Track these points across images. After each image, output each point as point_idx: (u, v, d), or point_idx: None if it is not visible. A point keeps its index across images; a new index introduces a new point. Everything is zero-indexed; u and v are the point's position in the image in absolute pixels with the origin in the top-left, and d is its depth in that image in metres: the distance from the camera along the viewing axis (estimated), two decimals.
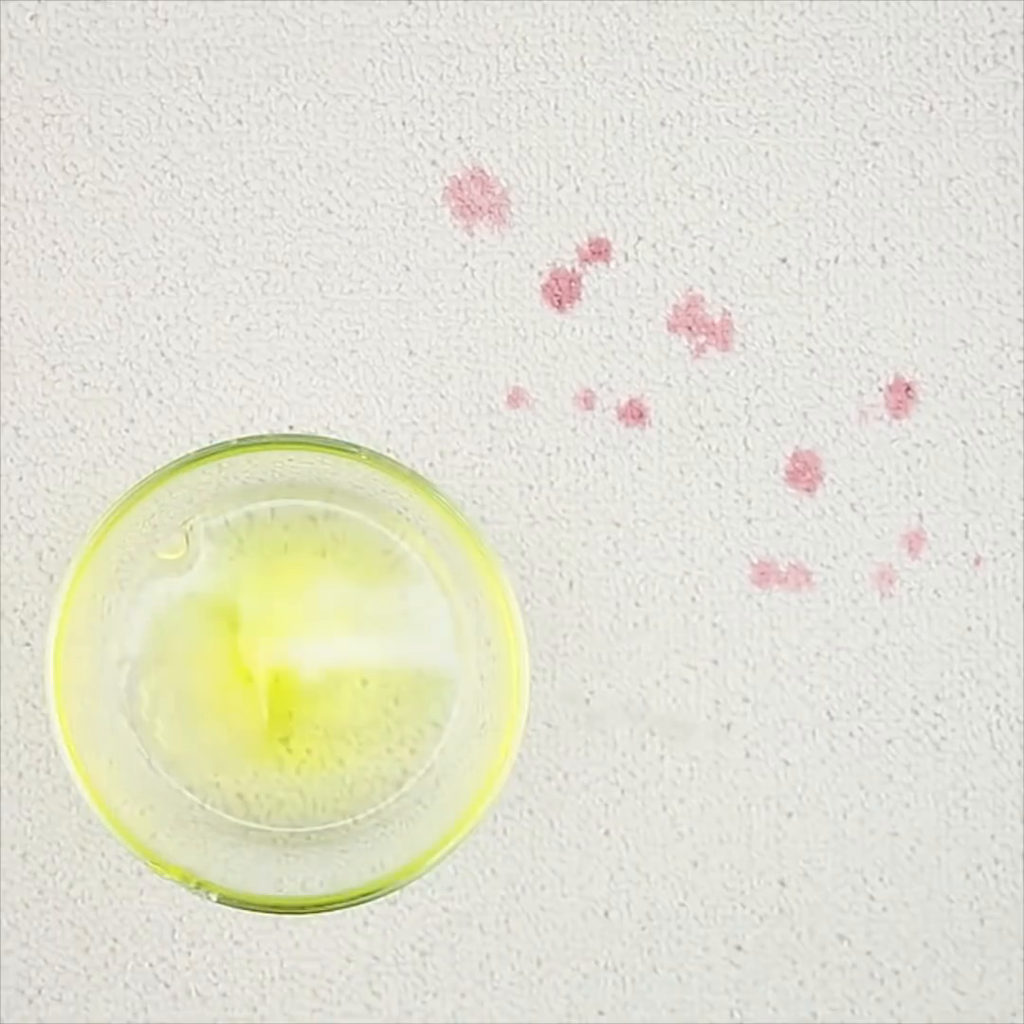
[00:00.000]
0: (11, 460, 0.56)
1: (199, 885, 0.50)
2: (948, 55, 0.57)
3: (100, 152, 0.56)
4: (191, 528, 0.53)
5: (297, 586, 0.53)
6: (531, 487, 0.57)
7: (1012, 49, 0.57)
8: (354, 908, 0.52)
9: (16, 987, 0.56)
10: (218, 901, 0.50)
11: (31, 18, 0.56)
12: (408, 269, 0.57)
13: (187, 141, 0.57)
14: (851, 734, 0.57)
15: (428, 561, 0.53)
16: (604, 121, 0.57)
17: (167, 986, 0.56)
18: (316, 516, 0.52)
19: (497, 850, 0.56)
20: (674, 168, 0.57)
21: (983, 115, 0.57)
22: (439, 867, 0.55)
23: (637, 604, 0.56)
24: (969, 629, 0.57)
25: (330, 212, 0.57)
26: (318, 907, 0.50)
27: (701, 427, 0.57)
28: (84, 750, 0.51)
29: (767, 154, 0.57)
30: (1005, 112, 0.57)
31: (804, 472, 0.57)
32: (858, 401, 0.57)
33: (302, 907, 0.50)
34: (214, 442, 0.56)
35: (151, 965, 0.56)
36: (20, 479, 0.56)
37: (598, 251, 0.57)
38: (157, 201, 0.57)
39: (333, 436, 0.56)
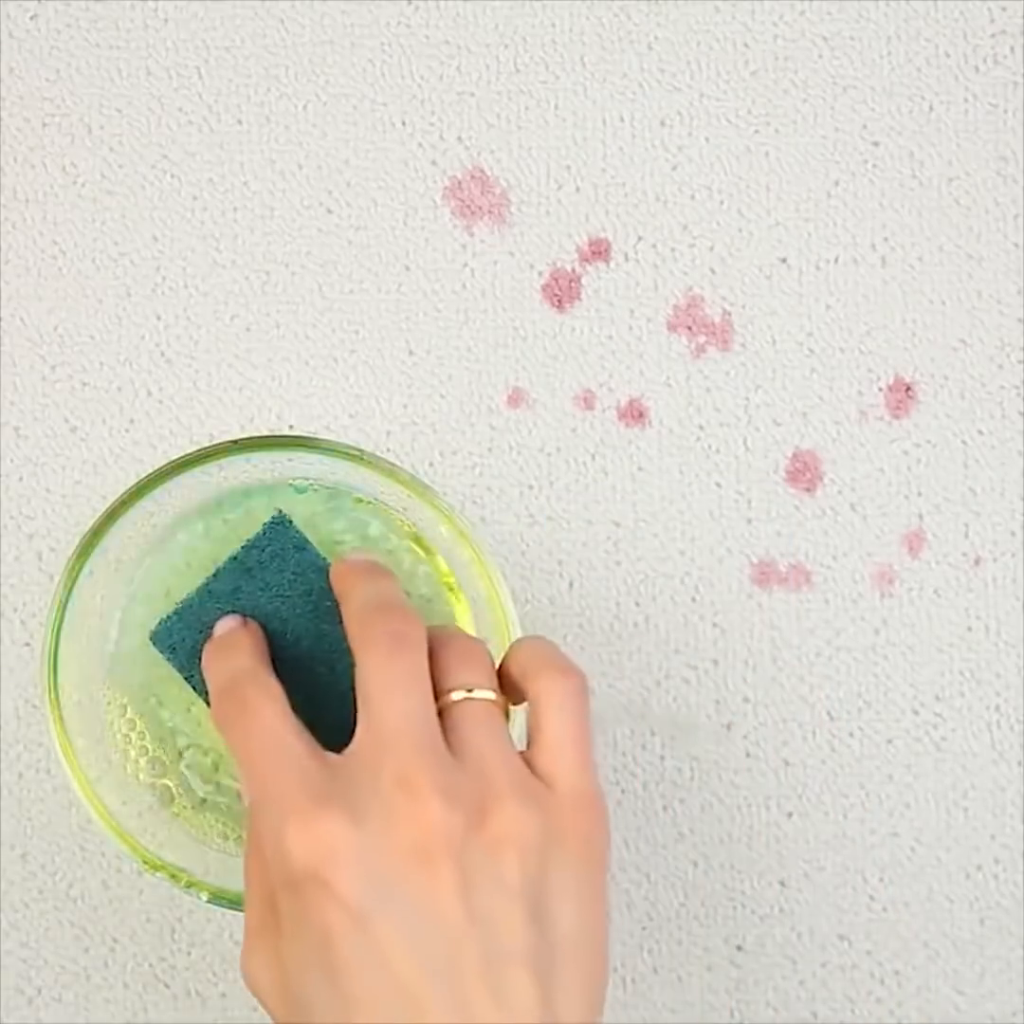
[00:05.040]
0: (11, 460, 0.56)
1: (190, 884, 0.50)
2: (948, 55, 0.57)
3: (100, 152, 0.56)
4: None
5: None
6: (531, 487, 0.57)
7: (1012, 49, 0.57)
8: None
9: (16, 987, 0.56)
10: (208, 901, 0.50)
11: (31, 18, 0.56)
12: (408, 269, 0.57)
13: (187, 141, 0.57)
14: (851, 734, 0.57)
15: (426, 561, 0.53)
16: (604, 121, 0.57)
17: (167, 986, 0.56)
18: (316, 517, 0.52)
19: None
20: (674, 168, 0.57)
21: (983, 115, 0.57)
22: None
23: (637, 604, 0.56)
24: (969, 629, 0.57)
25: (330, 212, 0.57)
26: None
27: (701, 427, 0.57)
28: (81, 751, 0.51)
29: (767, 154, 0.57)
30: (1005, 112, 0.57)
31: (804, 472, 0.57)
32: (858, 401, 0.57)
33: None
34: (214, 442, 0.56)
35: (151, 965, 0.56)
36: (20, 479, 0.56)
37: (598, 251, 0.57)
38: (157, 201, 0.57)
39: (333, 437, 0.56)
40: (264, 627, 0.50)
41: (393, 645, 0.45)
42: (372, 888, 0.42)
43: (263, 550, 0.51)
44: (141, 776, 0.52)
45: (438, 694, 0.45)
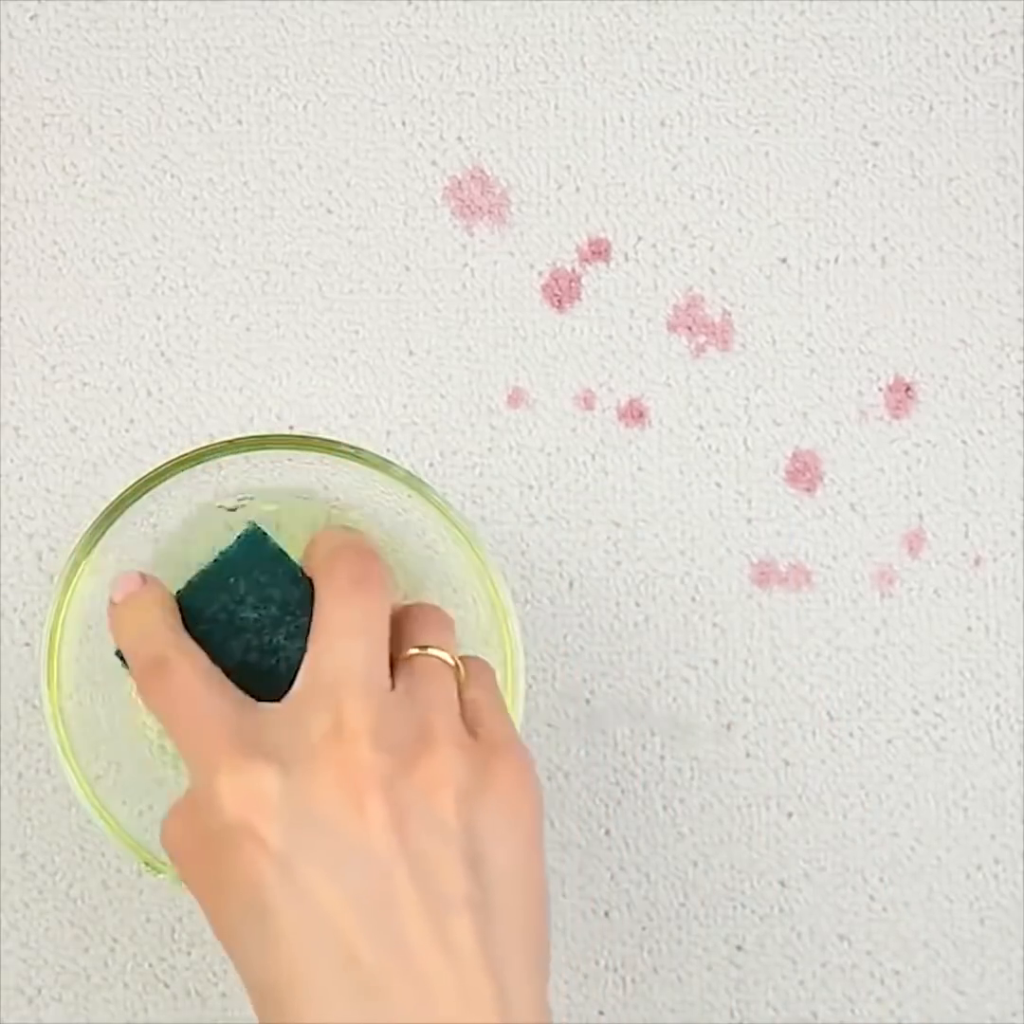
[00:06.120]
0: (11, 460, 0.56)
1: None
2: (948, 55, 0.57)
3: (100, 152, 0.56)
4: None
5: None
6: (531, 487, 0.57)
7: (1012, 49, 0.57)
8: None
9: (16, 987, 0.56)
10: None
11: (31, 18, 0.57)
12: (408, 269, 0.57)
13: (187, 141, 0.57)
14: (851, 734, 0.57)
15: (427, 560, 0.53)
16: (604, 121, 0.57)
17: (167, 986, 0.56)
18: (317, 518, 0.52)
19: None
20: (674, 168, 0.57)
21: (983, 115, 0.57)
22: None
23: (637, 604, 0.56)
24: (969, 629, 0.57)
25: (330, 212, 0.57)
26: None
27: (701, 427, 0.57)
28: (82, 752, 0.51)
29: (767, 154, 0.57)
30: (1005, 112, 0.57)
31: (804, 472, 0.57)
32: (858, 401, 0.57)
33: None
34: (212, 441, 0.56)
35: (151, 965, 0.56)
36: (20, 479, 0.56)
37: (598, 251, 0.57)
38: (157, 201, 0.57)
39: (333, 437, 0.56)
40: (238, 639, 0.49)
41: (351, 586, 0.46)
42: (297, 832, 0.42)
43: (237, 562, 0.50)
44: (144, 773, 0.52)
45: (399, 651, 0.46)
